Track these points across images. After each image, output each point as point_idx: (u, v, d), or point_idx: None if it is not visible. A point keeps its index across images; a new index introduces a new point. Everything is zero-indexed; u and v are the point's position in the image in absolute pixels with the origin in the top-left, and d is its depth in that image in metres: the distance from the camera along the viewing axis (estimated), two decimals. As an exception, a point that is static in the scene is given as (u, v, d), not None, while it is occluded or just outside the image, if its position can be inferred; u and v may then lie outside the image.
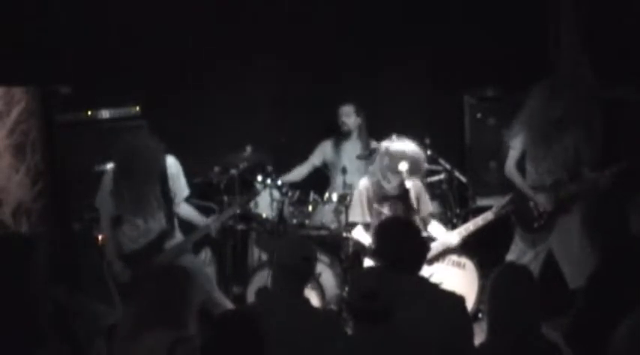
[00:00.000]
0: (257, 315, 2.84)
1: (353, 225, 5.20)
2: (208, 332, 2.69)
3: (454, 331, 3.24)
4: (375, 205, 5.04)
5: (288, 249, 3.51)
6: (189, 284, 3.16)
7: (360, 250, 5.15)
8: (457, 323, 3.30)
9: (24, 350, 2.92)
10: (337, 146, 6.11)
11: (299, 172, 6.20)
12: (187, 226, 4.93)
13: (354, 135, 6.07)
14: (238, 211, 5.23)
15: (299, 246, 3.58)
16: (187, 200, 4.94)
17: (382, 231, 3.69)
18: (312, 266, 3.55)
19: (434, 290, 3.52)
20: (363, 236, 5.14)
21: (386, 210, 5.01)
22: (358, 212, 5.13)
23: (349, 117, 6.00)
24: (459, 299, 3.39)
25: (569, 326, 2.98)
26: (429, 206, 5.20)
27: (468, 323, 3.41)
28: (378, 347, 2.93)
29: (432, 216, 5.30)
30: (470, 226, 5.06)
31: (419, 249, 3.55)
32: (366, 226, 5.15)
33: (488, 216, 5.03)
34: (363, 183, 5.14)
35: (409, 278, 3.37)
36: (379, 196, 5.04)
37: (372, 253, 4.45)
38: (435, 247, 4.99)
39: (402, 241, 3.47)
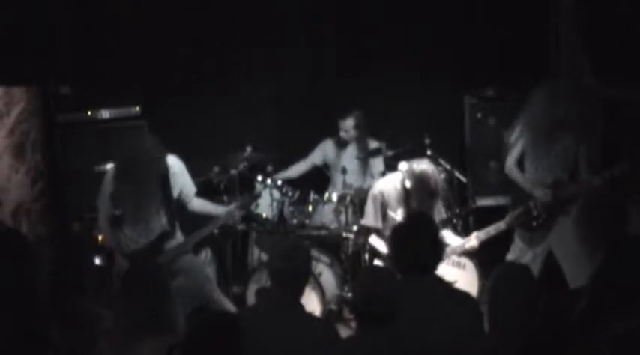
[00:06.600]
0: (235, 317, 2.77)
1: (367, 230, 5.11)
2: (187, 332, 2.66)
3: (466, 332, 3.20)
4: (390, 212, 4.95)
5: (283, 252, 3.39)
6: (163, 285, 3.05)
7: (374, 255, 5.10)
8: (469, 323, 3.26)
9: (28, 352, 2.93)
10: (338, 146, 6.10)
11: (297, 169, 6.17)
12: (189, 226, 4.93)
13: (354, 139, 6.06)
14: (259, 197, 5.25)
15: (293, 249, 3.45)
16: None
17: (396, 237, 3.58)
18: (308, 268, 3.46)
19: (447, 290, 3.48)
20: (378, 243, 5.06)
21: (399, 218, 4.90)
22: (371, 216, 5.04)
23: (348, 132, 5.96)
24: (472, 300, 3.38)
25: (574, 325, 2.96)
26: (442, 214, 5.12)
27: (479, 323, 3.33)
28: (382, 347, 2.93)
29: (442, 223, 5.12)
30: (481, 235, 5.01)
31: (434, 251, 3.49)
32: (377, 232, 5.06)
33: (500, 225, 4.98)
34: (379, 188, 5.04)
35: (423, 279, 3.35)
36: (395, 202, 4.95)
37: (389, 259, 4.40)
38: (454, 250, 4.95)
39: (417, 246, 3.40)
